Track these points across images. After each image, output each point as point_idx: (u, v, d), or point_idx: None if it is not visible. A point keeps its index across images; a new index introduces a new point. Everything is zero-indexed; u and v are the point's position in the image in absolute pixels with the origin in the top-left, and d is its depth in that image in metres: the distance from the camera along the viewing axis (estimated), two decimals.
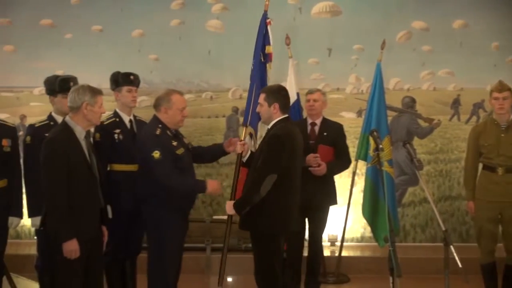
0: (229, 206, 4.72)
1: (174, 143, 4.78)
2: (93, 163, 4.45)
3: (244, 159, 5.09)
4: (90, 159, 4.42)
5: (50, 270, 4.72)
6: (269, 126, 4.77)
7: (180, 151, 4.79)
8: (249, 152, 5.09)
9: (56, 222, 4.22)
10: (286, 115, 4.77)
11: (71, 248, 4.20)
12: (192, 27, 7.68)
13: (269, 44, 5.73)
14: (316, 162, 5.55)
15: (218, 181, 4.88)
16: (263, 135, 5.01)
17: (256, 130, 5.57)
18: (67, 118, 4.40)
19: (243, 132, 5.36)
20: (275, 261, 4.69)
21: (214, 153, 5.22)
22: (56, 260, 4.30)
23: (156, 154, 4.65)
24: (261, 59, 5.70)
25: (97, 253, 4.52)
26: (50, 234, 4.28)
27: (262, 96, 4.78)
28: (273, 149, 4.55)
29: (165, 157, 4.66)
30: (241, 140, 5.09)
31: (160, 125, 4.81)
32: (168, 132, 4.82)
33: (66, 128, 4.36)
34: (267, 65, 5.74)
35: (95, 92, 4.39)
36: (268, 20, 5.76)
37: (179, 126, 4.95)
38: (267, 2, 5.80)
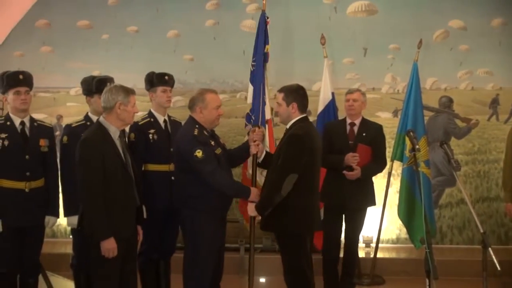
0: (251, 208, 4.70)
1: (212, 143, 4.77)
2: (128, 162, 4.47)
3: (260, 160, 5.05)
4: (125, 159, 4.45)
5: (86, 269, 4.76)
6: (288, 126, 4.75)
7: (218, 151, 4.78)
8: (264, 153, 5.04)
9: (93, 221, 4.25)
10: (305, 115, 4.76)
11: (109, 246, 4.23)
12: (227, 27, 7.70)
13: (268, 43, 5.68)
14: (355, 161, 5.51)
15: (258, 190, 4.84)
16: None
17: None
18: (101, 118, 4.44)
19: (252, 133, 5.21)
20: (303, 261, 4.67)
21: (240, 156, 5.14)
22: (93, 259, 4.34)
23: (199, 153, 4.62)
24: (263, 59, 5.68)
25: (132, 253, 4.55)
26: (87, 234, 4.31)
27: (281, 96, 4.75)
28: (293, 149, 4.53)
29: (208, 155, 4.65)
30: (254, 141, 5.01)
31: (196, 126, 4.79)
32: (205, 132, 4.80)
33: (100, 128, 4.39)
34: (266, 64, 5.70)
35: (128, 91, 4.42)
36: (267, 20, 5.73)
37: (215, 125, 4.92)
38: (264, 1, 5.79)
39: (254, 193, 4.75)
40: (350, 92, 5.85)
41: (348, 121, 5.84)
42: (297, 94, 4.73)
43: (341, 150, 5.59)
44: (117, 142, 4.40)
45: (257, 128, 5.10)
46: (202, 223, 4.72)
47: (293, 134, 4.59)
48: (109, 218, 4.24)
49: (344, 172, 5.50)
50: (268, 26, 5.71)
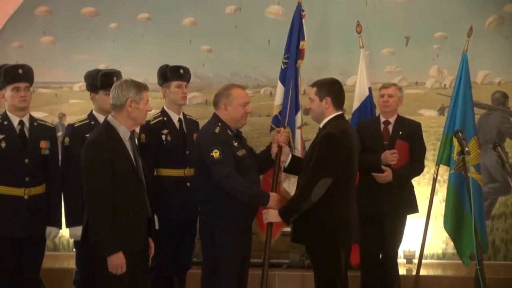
0: (274, 214, 4.69)
1: (235, 144, 4.81)
2: (139, 167, 4.49)
3: (286, 164, 5.07)
4: (136, 163, 4.47)
5: (90, 285, 4.79)
6: (321, 125, 4.76)
7: (241, 152, 4.82)
8: (290, 156, 5.06)
9: (100, 233, 4.25)
10: (340, 112, 4.77)
11: (117, 262, 4.23)
12: (250, 14, 7.70)
13: (303, 39, 5.76)
14: (395, 159, 5.52)
15: (279, 196, 4.87)
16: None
17: (293, 133, 5.51)
18: (110, 118, 4.44)
19: (277, 133, 5.22)
20: (336, 277, 4.66)
21: (266, 160, 5.14)
22: (98, 275, 4.36)
23: (216, 153, 4.68)
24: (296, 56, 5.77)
25: (143, 268, 4.56)
26: (92, 247, 4.33)
27: (313, 90, 4.76)
28: (327, 150, 4.53)
29: (226, 156, 4.69)
30: (278, 143, 5.06)
31: (219, 124, 4.84)
32: (229, 131, 4.85)
33: (108, 128, 4.40)
34: (300, 62, 5.81)
35: (141, 87, 4.43)
36: (303, 13, 5.77)
37: (242, 124, 4.95)
38: None
39: (274, 199, 4.77)
40: (385, 86, 5.86)
41: (382, 119, 5.86)
42: (331, 88, 4.74)
43: (375, 151, 5.63)
44: (127, 144, 4.42)
45: (282, 129, 5.14)
46: (222, 233, 4.75)
47: (328, 134, 4.59)
48: (118, 229, 4.24)
49: (374, 173, 5.50)
50: (304, 20, 5.76)
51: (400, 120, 5.83)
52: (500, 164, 4.59)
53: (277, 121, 5.72)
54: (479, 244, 4.05)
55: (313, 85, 4.83)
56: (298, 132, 5.69)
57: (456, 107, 6.53)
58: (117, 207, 4.25)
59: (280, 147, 5.01)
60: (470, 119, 6.52)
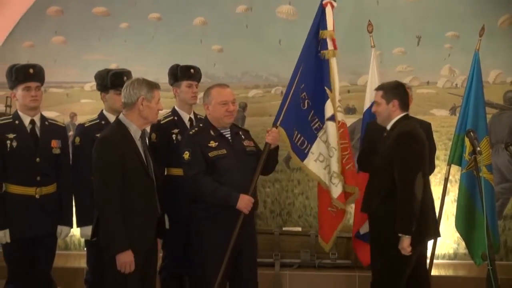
0: (407, 242, 4.66)
1: (212, 144, 4.87)
2: (149, 166, 4.51)
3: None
4: (147, 162, 4.48)
5: (101, 285, 4.78)
6: (389, 126, 4.92)
7: (216, 153, 4.86)
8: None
9: (109, 230, 4.29)
10: (406, 113, 4.95)
11: (126, 260, 4.26)
12: (261, 14, 7.68)
13: (324, 28, 5.58)
14: None
15: (251, 198, 4.85)
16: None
17: (291, 134, 5.41)
18: (121, 116, 4.48)
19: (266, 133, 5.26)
20: (403, 278, 4.81)
21: (269, 159, 5.14)
22: (108, 274, 4.38)
23: (186, 154, 4.85)
24: (318, 49, 5.58)
25: (151, 268, 4.58)
26: (102, 246, 4.35)
27: (379, 94, 4.96)
28: (409, 146, 4.66)
29: (195, 157, 4.80)
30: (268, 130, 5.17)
31: (201, 124, 5.01)
32: (212, 131, 4.93)
33: (120, 126, 4.43)
34: (324, 52, 5.55)
35: (152, 86, 4.46)
36: (325, 1, 5.62)
37: (225, 123, 5.00)
38: None
39: (243, 201, 4.79)
40: None
41: None
42: (397, 91, 4.96)
43: None
44: (138, 143, 4.45)
45: (273, 129, 5.21)
46: (202, 231, 4.86)
47: (403, 132, 4.75)
48: (127, 228, 4.27)
49: None
50: (332, 10, 5.60)
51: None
52: None
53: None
54: (491, 244, 4.04)
55: (378, 88, 5.05)
56: (330, 124, 5.51)
57: (467, 107, 6.50)
58: (127, 205, 4.29)
59: (268, 146, 5.07)
60: (482, 118, 6.48)
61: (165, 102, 6.67)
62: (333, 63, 5.59)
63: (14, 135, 4.97)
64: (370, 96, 6.60)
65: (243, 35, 7.66)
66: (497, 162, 7.14)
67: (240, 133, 5.14)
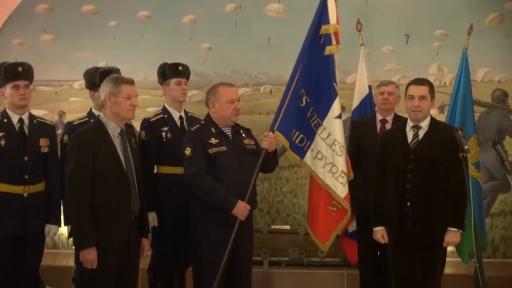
0: (455, 235, 4.76)
1: (213, 141, 4.88)
2: (129, 164, 4.51)
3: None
4: (126, 160, 4.48)
5: None
6: (424, 124, 4.90)
7: (216, 150, 4.86)
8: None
9: (75, 225, 4.37)
10: None
11: (88, 257, 4.28)
12: (250, 12, 7.69)
13: (326, 23, 5.41)
14: None
15: (247, 205, 4.85)
16: None
17: (289, 136, 5.36)
18: (101, 114, 4.53)
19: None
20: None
21: (267, 158, 5.14)
22: (81, 272, 4.45)
23: (188, 150, 4.84)
24: (321, 43, 5.43)
25: (129, 267, 4.57)
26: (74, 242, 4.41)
27: (425, 89, 4.90)
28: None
29: (196, 154, 4.81)
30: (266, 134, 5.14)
31: (203, 121, 5.00)
32: (213, 129, 4.93)
33: (97, 124, 4.48)
34: (329, 48, 5.41)
35: (119, 81, 4.47)
36: None
37: (231, 121, 5.01)
38: None
39: (240, 208, 4.80)
40: (384, 84, 5.85)
41: (379, 117, 5.84)
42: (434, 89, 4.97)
43: (370, 151, 5.50)
44: (116, 141, 4.45)
45: (270, 133, 5.17)
46: (202, 226, 4.86)
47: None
48: (96, 225, 4.29)
49: None
50: (329, 3, 5.40)
51: (398, 118, 5.75)
52: (500, 162, 4.56)
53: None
54: (478, 242, 4.04)
55: (423, 83, 4.96)
56: (338, 122, 5.45)
57: (456, 105, 6.51)
58: (98, 203, 4.31)
59: (265, 150, 5.04)
60: (470, 117, 6.49)
61: (154, 100, 6.69)
62: (336, 58, 5.50)
63: (2, 133, 4.95)
64: (358, 94, 6.62)
65: (232, 33, 7.67)
66: (485, 161, 7.17)
67: (241, 131, 5.13)
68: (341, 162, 5.34)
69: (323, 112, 5.40)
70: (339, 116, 5.40)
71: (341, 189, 5.34)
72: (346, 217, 5.44)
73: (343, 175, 5.33)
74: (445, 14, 7.47)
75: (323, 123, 5.39)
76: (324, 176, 5.37)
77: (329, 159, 5.35)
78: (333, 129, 5.37)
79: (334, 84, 5.40)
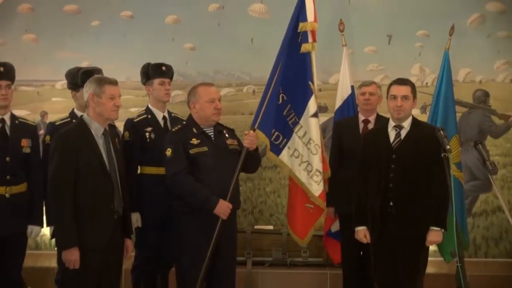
0: (437, 234, 4.82)
1: (194, 141, 4.89)
2: (112, 165, 4.51)
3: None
4: (109, 160, 4.48)
5: None
6: (406, 124, 4.90)
7: (195, 150, 4.87)
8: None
9: (57, 225, 4.38)
10: None
11: (71, 257, 4.28)
12: (233, 12, 7.66)
13: (304, 20, 5.49)
14: None
15: (229, 204, 4.87)
16: None
17: (269, 135, 5.41)
18: (84, 114, 4.54)
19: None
20: None
21: (249, 158, 5.13)
22: (63, 272, 4.44)
23: (168, 151, 4.86)
24: (298, 43, 5.49)
25: (112, 267, 4.58)
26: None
27: (408, 89, 4.91)
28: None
29: (177, 155, 4.82)
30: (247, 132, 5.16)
31: (184, 122, 5.05)
32: (195, 129, 4.94)
33: (81, 124, 4.49)
34: (305, 46, 5.50)
35: (102, 81, 4.47)
36: None
37: (213, 121, 5.02)
38: None
39: (222, 207, 4.80)
40: (365, 84, 5.87)
41: (361, 118, 5.85)
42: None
43: (353, 151, 5.50)
44: (100, 141, 4.44)
45: (251, 132, 5.18)
46: (184, 226, 4.88)
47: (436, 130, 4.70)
48: (78, 224, 4.29)
49: None
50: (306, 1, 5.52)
51: (380, 119, 5.77)
52: (481, 162, 4.61)
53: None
54: (460, 241, 4.06)
55: (405, 83, 4.98)
56: (314, 121, 5.50)
57: (437, 106, 6.55)
58: (80, 202, 4.31)
59: (246, 149, 5.05)
60: (452, 117, 6.53)
61: (137, 101, 6.66)
62: (313, 57, 5.57)
63: None
64: (341, 94, 6.64)
65: (215, 34, 7.64)
66: (466, 160, 7.19)
67: (224, 131, 5.14)
68: (316, 160, 5.41)
69: (300, 110, 5.46)
70: (315, 115, 5.45)
71: (315, 188, 5.40)
72: (323, 214, 5.50)
73: (317, 173, 5.39)
74: (427, 14, 7.48)
75: (300, 122, 5.44)
76: (300, 174, 5.44)
77: (305, 157, 5.43)
78: (309, 127, 5.43)
79: (310, 82, 5.44)
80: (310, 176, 5.41)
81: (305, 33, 5.50)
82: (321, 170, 5.40)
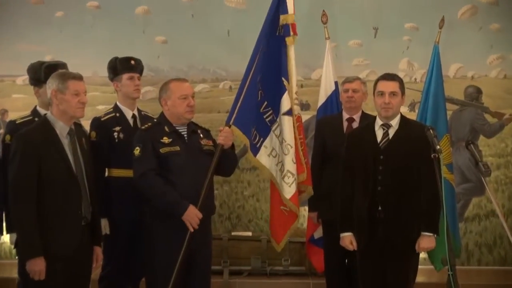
0: (430, 240, 4.81)
1: (165, 140, 4.87)
2: (79, 167, 4.47)
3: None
4: (75, 162, 4.44)
5: None
6: (394, 122, 4.89)
7: (166, 149, 4.84)
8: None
9: (20, 234, 4.29)
10: None
11: (35, 268, 4.23)
12: (207, 2, 7.68)
13: (285, 13, 5.53)
14: None
15: (199, 213, 4.79)
16: None
17: (248, 132, 5.38)
18: (48, 113, 4.48)
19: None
20: None
21: (223, 158, 5.09)
22: (26, 282, 4.38)
23: (137, 150, 4.84)
24: (278, 34, 5.51)
25: (80, 277, 4.53)
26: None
27: (395, 85, 4.89)
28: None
29: (145, 154, 4.80)
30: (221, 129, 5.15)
31: (155, 120, 5.04)
32: (166, 127, 4.92)
33: (44, 123, 4.42)
34: (289, 39, 5.53)
35: (65, 76, 4.43)
36: None
37: (186, 118, 4.99)
38: None
39: (190, 214, 4.76)
40: (348, 80, 5.87)
41: (346, 116, 5.86)
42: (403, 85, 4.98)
43: (336, 151, 5.44)
44: (65, 141, 4.41)
45: (226, 128, 5.18)
46: (156, 233, 4.84)
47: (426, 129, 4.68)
48: (43, 231, 4.23)
49: None
50: None
51: (365, 117, 5.77)
52: (473, 163, 4.63)
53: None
54: (451, 248, 4.08)
55: (393, 78, 4.96)
56: (287, 119, 5.50)
57: (427, 103, 6.56)
58: (44, 207, 4.25)
59: (220, 146, 5.04)
60: (442, 115, 6.55)
61: (105, 98, 6.62)
62: (291, 51, 5.57)
63: None
64: (324, 91, 6.65)
65: (188, 26, 7.64)
66: (458, 162, 7.25)
67: (199, 131, 5.10)
68: (287, 161, 5.44)
69: (277, 107, 5.47)
70: (288, 113, 5.45)
71: (287, 190, 5.44)
72: (297, 219, 5.54)
73: (289, 175, 5.42)
74: (415, 6, 7.53)
75: (277, 120, 5.46)
76: (276, 174, 5.47)
77: (280, 157, 5.47)
78: (282, 126, 5.43)
79: (283, 78, 5.45)
80: (282, 177, 5.44)
81: (286, 26, 5.51)
82: (293, 171, 5.41)
